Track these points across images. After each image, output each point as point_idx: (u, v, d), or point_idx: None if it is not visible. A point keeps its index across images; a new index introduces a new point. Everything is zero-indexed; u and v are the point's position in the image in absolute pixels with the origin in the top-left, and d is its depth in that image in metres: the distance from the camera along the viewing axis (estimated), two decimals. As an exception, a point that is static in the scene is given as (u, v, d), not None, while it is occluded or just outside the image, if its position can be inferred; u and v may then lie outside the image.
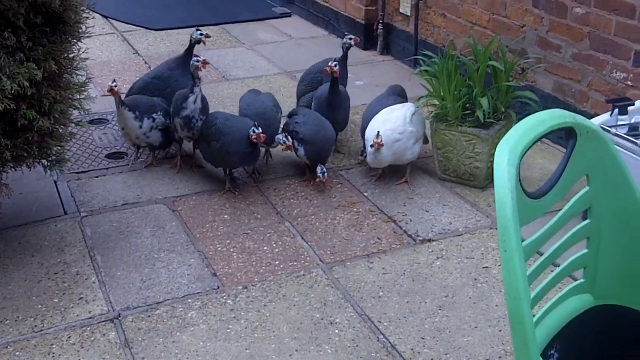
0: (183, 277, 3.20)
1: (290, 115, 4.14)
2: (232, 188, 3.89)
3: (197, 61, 3.83)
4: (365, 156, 3.87)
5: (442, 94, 3.85)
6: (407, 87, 4.40)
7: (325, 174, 3.82)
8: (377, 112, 3.97)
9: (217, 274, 3.22)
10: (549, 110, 1.65)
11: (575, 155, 1.66)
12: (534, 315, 1.47)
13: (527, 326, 1.38)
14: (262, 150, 4.07)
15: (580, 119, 1.66)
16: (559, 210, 1.69)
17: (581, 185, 1.76)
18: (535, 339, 1.39)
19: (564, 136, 1.66)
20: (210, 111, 4.01)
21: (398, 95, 4.24)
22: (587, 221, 1.77)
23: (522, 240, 1.45)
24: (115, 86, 3.87)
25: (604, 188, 1.71)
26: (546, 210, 1.60)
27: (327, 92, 4.09)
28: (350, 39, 4.30)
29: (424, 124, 3.97)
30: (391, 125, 3.80)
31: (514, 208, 1.41)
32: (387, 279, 3.18)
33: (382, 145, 3.69)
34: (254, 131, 3.67)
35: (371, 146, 3.70)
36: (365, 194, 3.88)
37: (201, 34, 4.24)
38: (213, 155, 3.84)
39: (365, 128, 3.95)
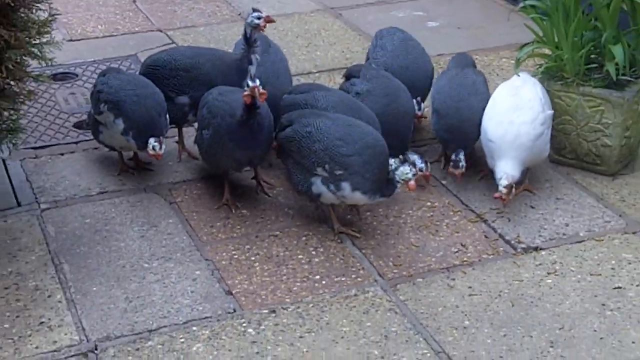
0: (185, 296, 3.23)
1: (348, 77, 4.01)
2: (232, 200, 3.77)
3: (259, 18, 3.74)
4: (461, 166, 3.74)
5: (556, 39, 3.84)
6: (504, 31, 4.39)
7: (425, 167, 3.53)
8: (455, 99, 3.84)
9: (233, 291, 3.26)
10: None
11: None
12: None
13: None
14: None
15: None
16: None
17: None
18: None
19: None
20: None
21: (474, 66, 4.13)
22: None
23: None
24: None
25: None
26: None
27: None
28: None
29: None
30: (529, 116, 3.64)
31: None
32: (475, 303, 3.19)
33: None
34: (248, 85, 3.42)
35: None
36: (444, 182, 3.89)
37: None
38: (209, 150, 3.69)
39: (439, 121, 3.84)
